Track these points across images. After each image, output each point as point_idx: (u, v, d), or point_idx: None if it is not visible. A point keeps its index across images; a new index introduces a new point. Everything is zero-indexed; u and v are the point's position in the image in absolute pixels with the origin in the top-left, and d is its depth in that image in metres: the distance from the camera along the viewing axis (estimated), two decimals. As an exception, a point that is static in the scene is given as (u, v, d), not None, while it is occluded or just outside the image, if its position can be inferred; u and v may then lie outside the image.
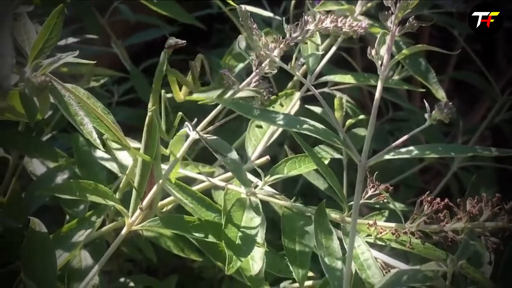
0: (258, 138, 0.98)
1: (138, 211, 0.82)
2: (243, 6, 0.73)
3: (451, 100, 0.72)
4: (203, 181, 0.91)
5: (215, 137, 0.79)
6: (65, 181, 0.97)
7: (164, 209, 0.93)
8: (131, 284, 1.03)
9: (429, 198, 0.74)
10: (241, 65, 1.05)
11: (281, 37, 0.74)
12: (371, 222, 0.79)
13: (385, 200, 0.79)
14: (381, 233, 0.79)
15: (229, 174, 0.96)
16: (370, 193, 0.79)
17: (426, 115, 0.71)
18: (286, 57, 0.75)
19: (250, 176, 0.85)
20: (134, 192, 0.84)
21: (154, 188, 0.82)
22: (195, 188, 0.87)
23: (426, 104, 0.71)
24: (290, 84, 1.15)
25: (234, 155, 0.78)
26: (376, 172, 0.78)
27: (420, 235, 0.75)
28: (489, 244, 0.70)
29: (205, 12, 1.40)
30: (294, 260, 0.79)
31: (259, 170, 0.84)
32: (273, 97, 1.01)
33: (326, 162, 0.89)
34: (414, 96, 1.54)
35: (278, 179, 0.84)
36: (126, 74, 1.30)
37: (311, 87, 0.75)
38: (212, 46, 1.63)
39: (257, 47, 0.74)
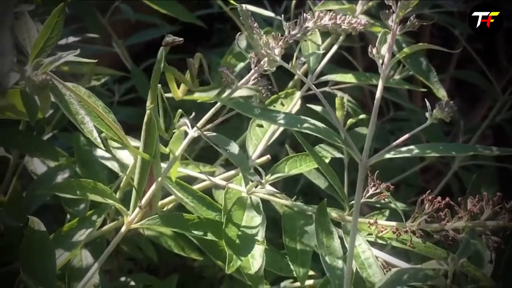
0: (259, 137, 0.98)
1: (137, 209, 0.82)
2: (244, 6, 0.73)
3: (452, 99, 0.72)
4: (204, 180, 0.91)
5: (214, 133, 0.79)
6: (66, 180, 0.97)
7: (165, 208, 0.93)
8: (132, 283, 1.03)
9: (430, 197, 0.74)
10: (241, 64, 1.05)
11: (279, 34, 0.74)
12: (372, 221, 0.79)
13: (386, 199, 0.79)
14: (382, 232, 0.79)
15: (230, 173, 0.96)
16: (371, 192, 0.78)
17: (427, 114, 0.71)
18: (287, 56, 0.75)
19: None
20: (134, 190, 0.84)
21: (153, 186, 0.82)
22: (195, 187, 0.88)
23: (427, 103, 0.71)
24: (291, 84, 1.15)
25: (235, 147, 0.78)
26: (377, 171, 0.78)
27: (421, 234, 0.75)
28: (490, 243, 0.70)
29: (206, 12, 1.40)
30: (295, 259, 0.79)
31: (260, 169, 0.84)
32: (273, 96, 1.02)
33: (327, 161, 0.89)
34: (415, 95, 1.53)
35: (279, 178, 0.84)
36: (127, 74, 1.30)
37: (312, 86, 0.75)
38: (213, 46, 1.63)
39: (257, 46, 0.74)
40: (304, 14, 0.75)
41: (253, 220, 0.79)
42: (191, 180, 0.94)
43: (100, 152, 0.99)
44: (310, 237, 0.80)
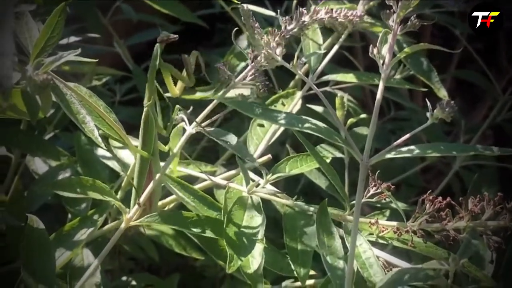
0: (260, 137, 0.98)
1: (136, 206, 0.83)
2: (245, 5, 0.73)
3: (452, 99, 0.72)
4: (205, 180, 0.92)
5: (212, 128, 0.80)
6: (65, 178, 0.97)
7: (166, 208, 0.93)
8: (133, 282, 1.03)
9: (431, 197, 0.74)
10: (243, 64, 1.05)
11: (276, 30, 0.74)
12: (373, 221, 0.79)
13: (386, 199, 0.79)
14: (383, 231, 0.79)
15: (231, 172, 0.96)
16: (372, 192, 0.79)
17: (428, 114, 0.71)
18: (288, 56, 0.75)
19: (252, 175, 0.85)
20: (133, 188, 0.84)
21: (151, 184, 0.82)
22: (196, 186, 0.88)
23: (428, 103, 0.71)
24: (292, 83, 1.15)
25: (233, 139, 0.79)
26: (378, 171, 0.78)
27: (422, 234, 0.75)
28: (491, 243, 0.70)
29: (207, 12, 1.40)
30: (296, 259, 0.79)
31: (261, 169, 0.84)
32: (274, 96, 1.02)
33: (328, 161, 0.89)
34: (416, 95, 1.53)
35: (280, 177, 0.84)
36: (128, 73, 1.30)
37: (313, 86, 0.75)
38: (214, 45, 1.63)
39: (259, 46, 0.74)
40: (301, 9, 0.75)
41: (254, 220, 0.79)
42: (192, 179, 0.94)
43: (101, 152, 0.99)
44: (311, 237, 0.80)
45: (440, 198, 0.74)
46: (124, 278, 1.04)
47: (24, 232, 0.78)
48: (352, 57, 1.23)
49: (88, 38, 1.15)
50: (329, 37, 1.08)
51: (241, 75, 0.78)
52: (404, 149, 0.71)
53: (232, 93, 0.81)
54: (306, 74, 0.94)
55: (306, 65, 0.99)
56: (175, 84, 0.82)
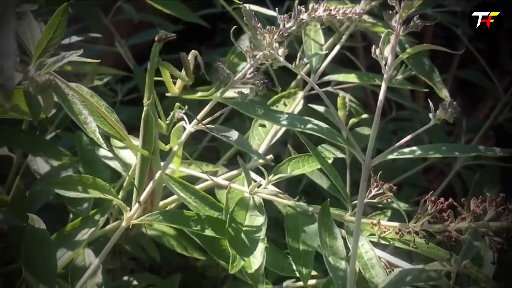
0: (262, 137, 0.98)
1: (136, 205, 0.82)
2: (247, 6, 0.73)
3: (454, 99, 0.72)
4: (206, 180, 0.92)
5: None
6: (65, 176, 0.96)
7: (168, 208, 0.93)
8: (134, 282, 1.03)
9: (432, 198, 0.74)
10: (244, 64, 1.05)
11: (274, 28, 0.74)
12: (374, 221, 0.79)
13: (388, 200, 0.79)
14: (384, 232, 0.79)
15: (232, 173, 0.96)
16: (373, 192, 0.78)
17: (431, 115, 0.71)
18: (290, 56, 0.75)
19: (253, 175, 0.85)
20: (135, 187, 0.84)
21: (152, 182, 0.82)
22: (198, 187, 0.88)
23: (431, 104, 0.71)
24: (293, 83, 1.15)
25: (235, 134, 0.79)
26: (380, 172, 0.78)
27: (424, 235, 0.75)
28: (493, 244, 0.70)
29: (209, 11, 1.40)
30: (298, 259, 0.79)
31: (263, 169, 0.84)
32: (276, 96, 1.02)
33: (330, 161, 0.89)
34: (418, 95, 1.53)
35: (281, 178, 0.84)
36: (130, 73, 1.30)
37: (315, 86, 0.75)
38: (216, 45, 1.63)
39: (261, 46, 0.74)
40: (299, 7, 0.75)
41: (256, 220, 0.79)
42: (194, 179, 0.94)
43: (103, 152, 0.99)
44: (312, 237, 0.80)
45: (442, 199, 0.74)
46: (125, 278, 1.04)
47: (25, 232, 0.78)
48: (353, 57, 1.23)
49: (89, 38, 1.15)
50: (330, 37, 1.08)
51: (240, 74, 0.78)
52: (407, 150, 0.71)
53: (232, 91, 0.81)
54: (308, 74, 0.94)
55: (308, 65, 0.98)
56: (175, 83, 0.82)
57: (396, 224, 0.78)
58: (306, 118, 0.74)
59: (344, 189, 0.82)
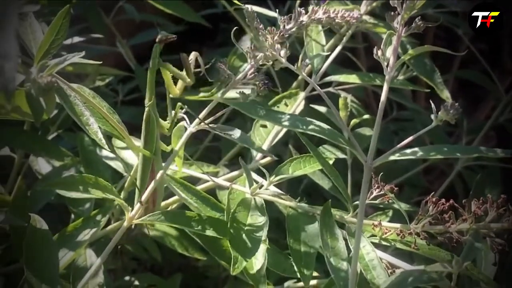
0: (263, 138, 0.98)
1: (138, 205, 0.83)
2: (249, 6, 0.73)
3: (455, 100, 0.72)
4: (208, 181, 0.92)
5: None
6: (67, 176, 0.97)
7: (169, 208, 0.93)
8: (136, 282, 1.03)
9: (434, 199, 0.74)
10: (246, 64, 1.05)
11: (275, 29, 0.74)
12: (376, 222, 0.79)
13: (389, 201, 0.79)
14: (386, 233, 0.79)
15: (234, 173, 0.96)
16: (375, 193, 0.79)
17: (432, 116, 0.71)
18: (291, 57, 0.75)
19: (255, 176, 0.85)
20: (136, 187, 0.84)
21: (153, 182, 0.82)
22: (199, 187, 0.88)
23: (432, 105, 0.71)
24: (295, 84, 1.15)
25: (237, 131, 0.79)
26: (381, 173, 0.78)
27: (425, 236, 0.75)
28: (494, 245, 0.70)
29: (211, 11, 1.40)
30: (299, 260, 0.79)
31: (264, 170, 0.84)
32: (277, 97, 1.02)
33: (331, 162, 0.89)
34: (419, 95, 1.53)
35: (283, 179, 0.84)
36: (131, 73, 1.30)
37: (316, 86, 0.75)
38: (218, 45, 1.63)
39: (263, 47, 0.74)
40: (299, 9, 0.75)
41: (257, 221, 0.79)
42: (195, 180, 0.94)
43: (104, 152, 1.00)
44: (314, 238, 0.80)
45: (443, 200, 0.74)
46: (127, 278, 1.04)
47: (27, 232, 0.78)
48: (355, 58, 1.23)
49: (91, 38, 1.15)
50: (331, 38, 1.08)
51: (241, 74, 0.78)
52: (408, 151, 0.71)
53: (233, 92, 0.81)
54: (309, 74, 0.94)
55: (309, 66, 0.99)
56: (176, 84, 0.82)
57: (397, 225, 0.78)
58: (308, 118, 0.74)
59: (345, 190, 0.82)
